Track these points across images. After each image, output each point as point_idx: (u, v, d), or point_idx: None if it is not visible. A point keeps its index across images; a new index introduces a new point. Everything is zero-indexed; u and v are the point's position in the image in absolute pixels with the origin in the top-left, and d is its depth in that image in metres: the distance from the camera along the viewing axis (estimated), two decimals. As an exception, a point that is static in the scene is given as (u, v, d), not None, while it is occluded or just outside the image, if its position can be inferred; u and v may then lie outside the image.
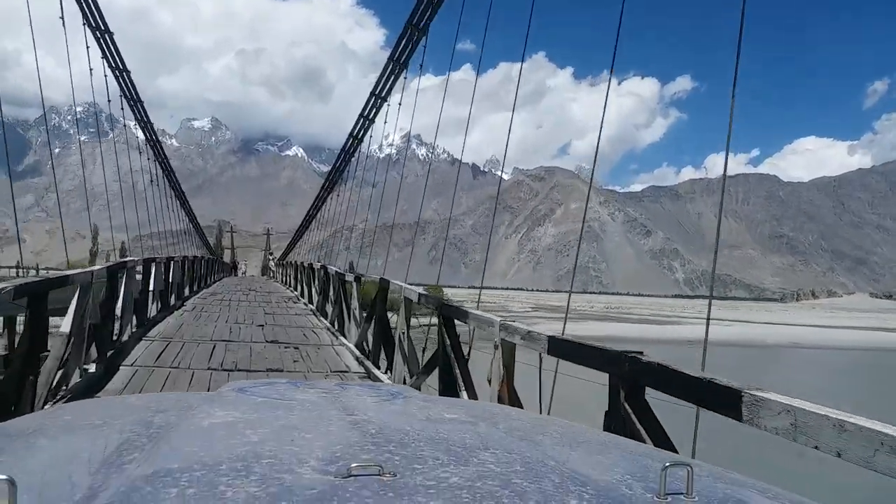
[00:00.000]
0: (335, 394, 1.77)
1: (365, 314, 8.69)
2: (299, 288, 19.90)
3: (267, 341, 9.53)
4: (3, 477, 0.77)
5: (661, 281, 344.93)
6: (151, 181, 21.38)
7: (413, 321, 6.98)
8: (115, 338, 7.60)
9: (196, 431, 1.29)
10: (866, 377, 43.26)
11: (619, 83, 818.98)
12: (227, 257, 62.82)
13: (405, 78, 12.76)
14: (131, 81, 16.03)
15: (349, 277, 10.66)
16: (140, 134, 21.03)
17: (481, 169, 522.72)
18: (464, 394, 4.93)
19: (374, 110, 15.76)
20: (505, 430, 1.43)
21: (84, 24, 11.86)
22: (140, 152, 21.03)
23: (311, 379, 6.81)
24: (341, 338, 10.25)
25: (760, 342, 55.98)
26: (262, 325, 11.37)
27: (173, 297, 13.52)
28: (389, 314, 7.83)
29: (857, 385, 39.85)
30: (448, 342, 5.01)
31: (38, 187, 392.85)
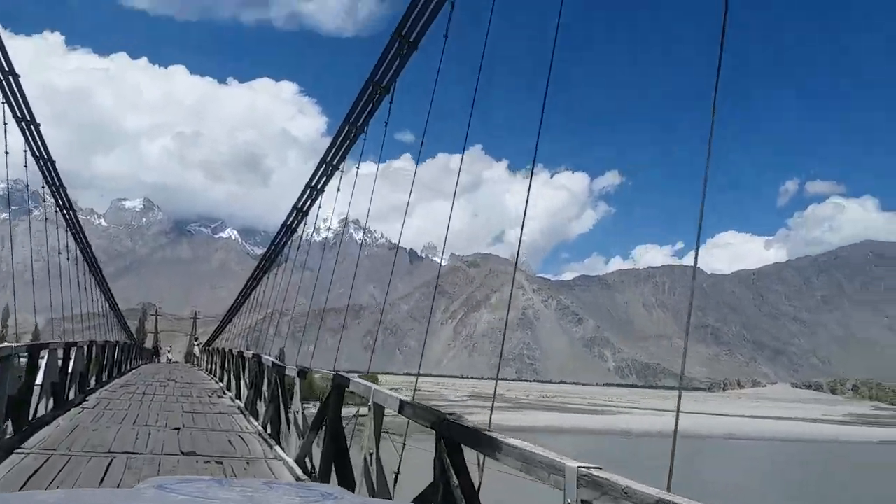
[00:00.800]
0: (261, 494, 1.71)
1: (310, 421, 7.07)
2: (226, 379, 17.81)
3: (182, 453, 7.80)
4: None
5: (594, 368, 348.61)
6: (68, 259, 19.97)
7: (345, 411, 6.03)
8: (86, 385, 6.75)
9: None
10: (804, 470, 43.71)
11: (552, 176, 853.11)
12: (149, 342, 59.86)
13: (341, 172, 12.24)
14: (55, 168, 14.91)
15: (291, 372, 8.79)
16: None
17: (418, 254, 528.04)
18: None
19: (308, 200, 14.97)
20: None
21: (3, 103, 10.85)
22: (66, 231, 19.83)
23: None
24: (277, 448, 8.47)
25: (695, 433, 56.06)
26: (178, 429, 9.63)
27: (72, 390, 11.65)
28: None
29: (800, 478, 40.11)
30: (455, 482, 3.59)
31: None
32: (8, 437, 7.29)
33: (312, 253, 19.78)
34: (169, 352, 56.60)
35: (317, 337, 21.87)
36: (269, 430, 9.55)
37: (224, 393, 16.41)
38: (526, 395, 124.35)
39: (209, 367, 26.47)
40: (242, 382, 13.51)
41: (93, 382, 14.44)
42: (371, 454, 4.97)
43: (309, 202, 14.92)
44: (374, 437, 5.04)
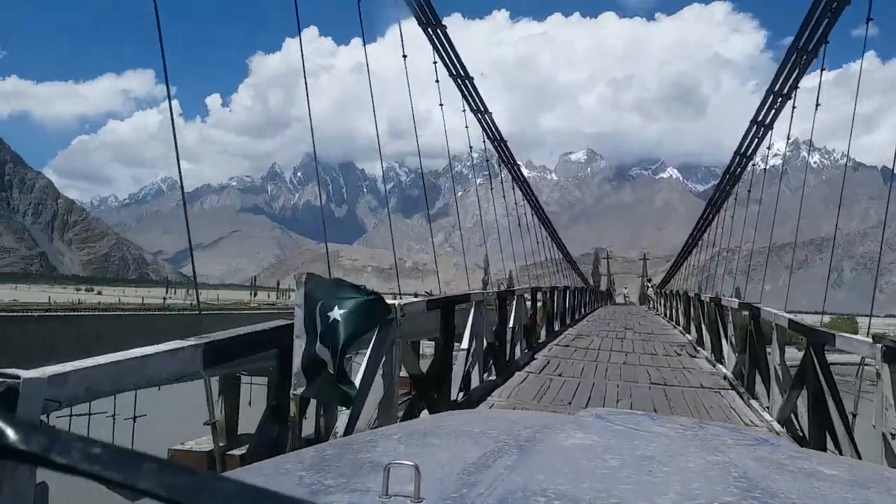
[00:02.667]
0: (693, 431, 1.73)
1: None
2: (693, 330, 14.51)
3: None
4: (410, 463, 0.98)
5: None
6: (525, 216, 22.80)
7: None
8: (507, 357, 8.49)
9: (558, 449, 1.38)
10: None
11: None
12: (604, 284, 64.18)
13: (793, 104, 10.85)
14: (494, 123, 16.35)
15: (768, 317, 7.09)
16: (525, 173, 22.90)
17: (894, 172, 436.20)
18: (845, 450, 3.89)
19: (772, 111, 12.83)
20: None
21: (451, 76, 13.07)
22: (520, 187, 22.55)
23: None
24: (753, 402, 7.33)
25: None
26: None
27: (556, 323, 13.71)
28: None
29: None
30: (821, 376, 3.87)
31: (446, 227, 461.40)
32: (525, 350, 9.66)
33: (759, 181, 18.72)
34: (626, 290, 58.38)
35: (764, 274, 20.66)
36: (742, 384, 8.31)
37: (696, 350, 12.83)
38: None
39: (667, 311, 23.94)
40: (726, 343, 10.12)
41: (542, 335, 12.35)
42: (892, 431, 3.87)
43: (774, 112, 12.95)
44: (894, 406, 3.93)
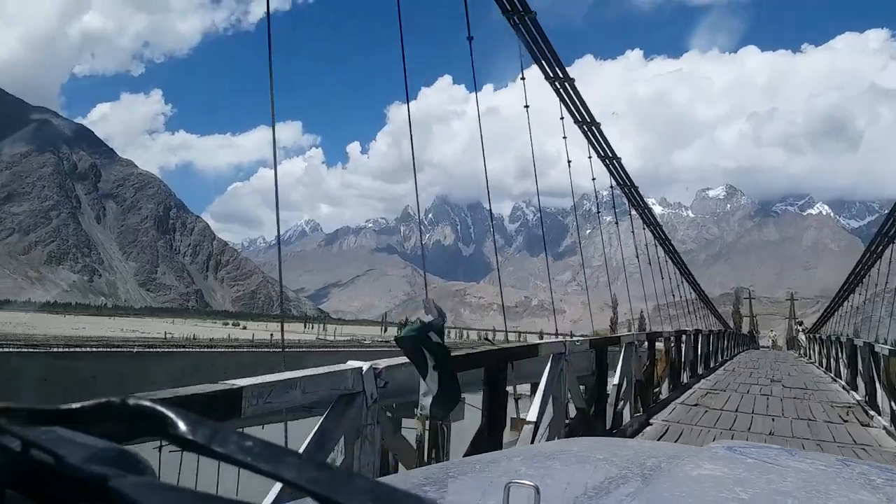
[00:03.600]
0: (837, 468, 1.59)
1: None
2: (862, 388, 11.44)
3: None
4: (531, 483, 0.96)
5: None
6: (658, 257, 21.95)
7: None
8: (654, 397, 8.56)
9: (684, 479, 1.32)
10: None
11: None
12: (745, 326, 60.17)
13: None
14: (622, 167, 16.06)
15: None
16: (659, 210, 22.05)
17: None
18: None
19: None
20: None
21: (576, 123, 13.18)
22: (650, 229, 21.79)
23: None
24: None
25: None
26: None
27: (685, 374, 12.32)
28: None
29: None
30: None
31: (573, 265, 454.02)
32: (671, 391, 9.85)
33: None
34: (773, 333, 54.40)
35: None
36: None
37: (869, 415, 9.98)
38: None
39: (822, 359, 20.75)
40: None
41: (665, 391, 10.67)
42: None
43: None
44: None
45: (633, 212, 18.62)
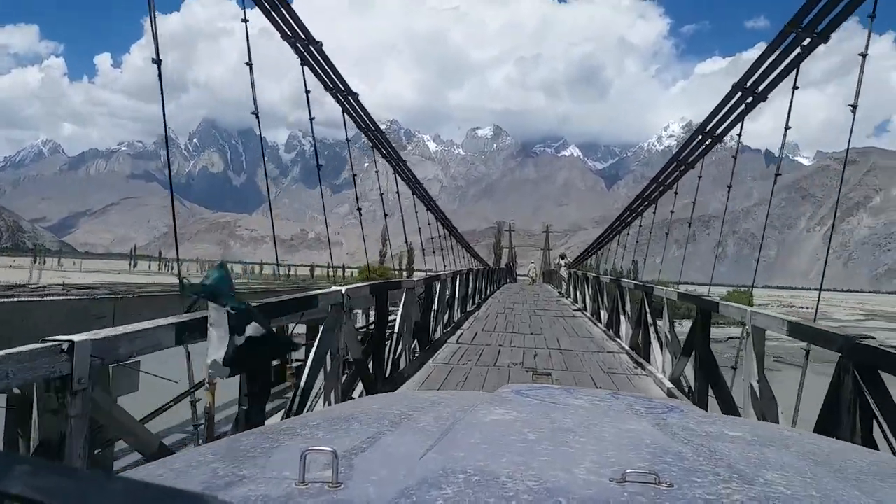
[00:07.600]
0: (608, 402, 1.80)
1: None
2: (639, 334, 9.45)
3: None
4: (328, 449, 0.98)
5: None
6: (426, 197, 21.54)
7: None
8: (429, 336, 9.19)
9: (479, 426, 1.40)
10: None
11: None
12: (505, 256, 65.53)
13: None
14: (361, 106, 11.79)
15: (659, 293, 8.39)
16: (433, 146, 22.16)
17: (775, 155, 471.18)
18: (748, 410, 4.58)
19: (742, 105, 9.28)
20: (797, 454, 1.30)
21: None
22: (434, 163, 21.77)
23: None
24: (649, 366, 8.08)
25: None
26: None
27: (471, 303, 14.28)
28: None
29: None
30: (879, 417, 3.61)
31: (351, 198, 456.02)
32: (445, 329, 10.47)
33: (654, 163, 19.34)
34: (532, 266, 49.80)
35: (664, 250, 21.64)
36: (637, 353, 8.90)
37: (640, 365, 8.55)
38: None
39: (583, 301, 18.00)
40: (624, 319, 10.63)
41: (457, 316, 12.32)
42: (756, 382, 4.65)
43: (745, 107, 9.49)
44: (757, 364, 4.68)
45: (412, 147, 17.93)
